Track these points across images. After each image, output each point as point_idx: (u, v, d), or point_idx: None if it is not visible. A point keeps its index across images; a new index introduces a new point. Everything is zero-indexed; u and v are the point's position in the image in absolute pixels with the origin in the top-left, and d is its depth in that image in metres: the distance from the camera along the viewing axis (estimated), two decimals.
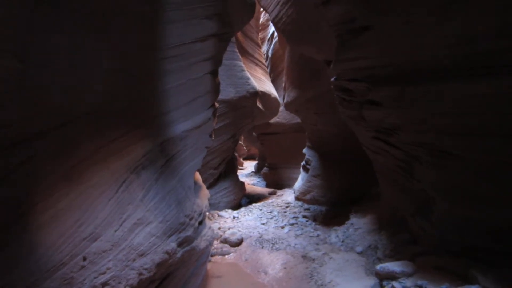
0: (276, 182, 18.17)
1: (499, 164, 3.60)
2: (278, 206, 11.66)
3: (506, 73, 3.14)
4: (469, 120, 3.57)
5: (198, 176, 6.10)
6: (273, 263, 6.35)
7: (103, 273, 2.72)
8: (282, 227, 8.75)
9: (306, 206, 11.05)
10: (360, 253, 6.13)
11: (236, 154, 17.52)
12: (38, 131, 2.38)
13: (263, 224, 9.22)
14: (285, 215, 10.10)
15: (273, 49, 18.39)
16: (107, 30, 3.01)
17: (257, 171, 24.96)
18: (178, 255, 3.80)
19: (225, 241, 7.57)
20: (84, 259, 2.61)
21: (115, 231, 2.96)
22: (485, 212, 3.92)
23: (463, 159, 3.84)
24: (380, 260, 5.44)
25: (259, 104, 12.98)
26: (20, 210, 2.25)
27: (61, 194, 2.57)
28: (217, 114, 6.75)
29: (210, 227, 5.24)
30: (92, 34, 2.80)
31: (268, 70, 17.18)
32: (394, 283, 4.24)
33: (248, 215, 10.37)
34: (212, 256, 6.70)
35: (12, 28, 2.04)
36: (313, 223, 8.98)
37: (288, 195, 13.82)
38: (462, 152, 3.83)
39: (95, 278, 2.64)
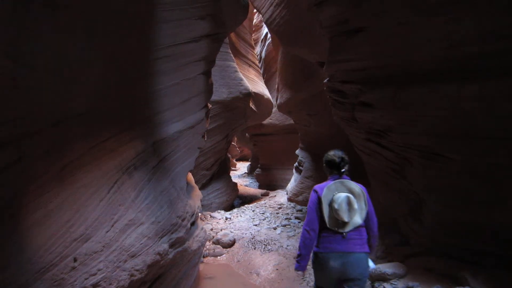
0: (269, 183, 18.17)
1: (491, 166, 3.64)
2: (270, 207, 11.66)
3: (498, 75, 3.17)
4: (461, 122, 3.60)
5: (190, 177, 6.08)
6: (266, 264, 6.34)
7: (94, 274, 2.69)
8: (275, 228, 8.74)
9: (298, 207, 11.05)
10: None
11: (229, 155, 17.50)
12: (29, 131, 2.36)
13: (256, 225, 9.21)
14: (277, 216, 10.10)
15: (266, 50, 18.39)
16: (100, 30, 2.99)
17: (250, 172, 24.96)
18: (170, 256, 3.78)
19: (217, 242, 7.55)
20: (75, 260, 2.59)
21: (107, 232, 2.94)
22: (476, 214, 3.96)
23: (455, 162, 3.88)
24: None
25: (252, 105, 12.98)
26: (10, 210, 2.23)
27: (52, 194, 2.54)
28: (210, 115, 6.74)
29: (202, 228, 5.22)
30: (84, 34, 2.78)
31: (261, 71, 17.20)
32: (386, 285, 4.25)
33: (241, 216, 10.36)
34: (204, 257, 6.68)
35: (3, 27, 2.01)
36: None
37: (280, 196, 13.83)
38: (453, 154, 3.86)
39: (85, 279, 2.62)
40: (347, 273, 2.80)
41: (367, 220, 2.95)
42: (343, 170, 3.01)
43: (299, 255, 3.00)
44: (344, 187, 2.91)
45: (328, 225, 2.87)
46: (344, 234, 2.83)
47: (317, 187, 3.02)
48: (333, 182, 2.95)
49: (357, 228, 2.87)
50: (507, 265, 3.76)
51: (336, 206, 2.81)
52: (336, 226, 2.85)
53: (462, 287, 3.66)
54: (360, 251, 2.85)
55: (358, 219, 2.85)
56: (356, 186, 2.94)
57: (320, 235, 2.92)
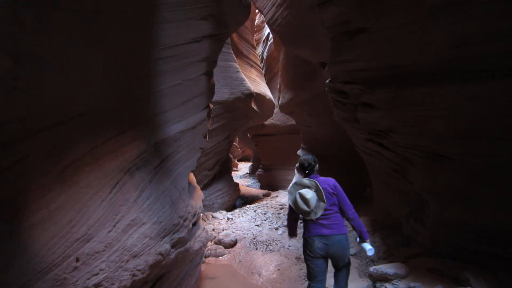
0: (271, 183, 18.18)
1: (493, 167, 3.63)
2: (272, 207, 11.65)
3: (500, 76, 3.17)
4: (463, 123, 3.59)
5: (192, 177, 6.09)
6: (267, 264, 6.34)
7: (96, 274, 2.70)
8: (276, 229, 8.73)
9: None
10: (353, 255, 6.14)
11: (231, 156, 17.51)
12: (30, 131, 2.37)
13: (257, 225, 9.21)
14: (279, 217, 10.09)
15: (268, 51, 18.43)
16: (103, 31, 3.00)
17: (252, 172, 25.00)
18: (172, 256, 3.79)
19: (219, 242, 7.55)
20: (77, 260, 2.59)
21: (108, 232, 2.95)
22: (478, 215, 3.95)
23: (456, 162, 3.87)
24: (373, 262, 5.46)
25: (253, 106, 12.98)
26: (12, 210, 2.24)
27: (53, 194, 2.55)
28: (211, 115, 6.75)
29: (204, 229, 5.23)
30: (85, 34, 2.79)
31: (263, 72, 17.20)
32: (387, 285, 4.25)
33: (242, 216, 10.36)
34: (206, 257, 6.69)
35: (6, 27, 2.02)
36: None
37: (282, 197, 13.82)
38: (455, 155, 3.86)
39: (88, 279, 2.63)
40: (329, 252, 3.50)
41: (339, 205, 3.65)
42: (307, 171, 3.83)
43: (289, 232, 4.10)
44: (299, 186, 3.69)
45: (303, 217, 3.65)
46: (315, 219, 3.54)
47: (289, 188, 3.93)
48: (293, 183, 3.81)
49: (328, 214, 3.56)
50: (509, 266, 3.76)
51: (296, 202, 3.60)
52: (306, 216, 3.57)
53: (464, 287, 3.66)
54: (339, 233, 3.52)
55: (320, 204, 3.55)
56: (308, 180, 3.66)
57: (304, 225, 3.70)
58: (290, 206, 3.80)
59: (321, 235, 3.49)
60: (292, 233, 4.07)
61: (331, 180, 3.73)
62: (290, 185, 3.80)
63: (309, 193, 3.53)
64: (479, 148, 3.62)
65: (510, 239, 3.78)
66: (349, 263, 3.68)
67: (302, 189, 3.63)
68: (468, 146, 3.68)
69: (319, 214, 3.53)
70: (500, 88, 3.19)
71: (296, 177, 12.86)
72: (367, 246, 3.63)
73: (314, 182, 3.62)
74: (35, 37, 2.27)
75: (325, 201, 3.55)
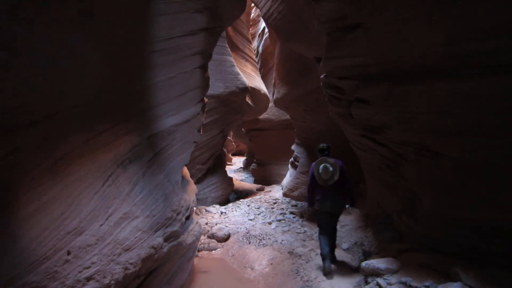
0: (264, 178, 18.18)
1: (486, 164, 3.66)
2: (265, 202, 11.65)
3: (495, 73, 3.18)
4: (456, 119, 3.61)
5: (186, 171, 6.07)
6: (260, 258, 6.35)
7: (88, 268, 2.69)
8: (270, 223, 8.75)
9: (293, 202, 11.05)
10: (346, 250, 6.19)
11: (225, 150, 17.49)
12: (24, 123, 2.34)
13: (251, 220, 9.20)
14: (272, 211, 10.11)
15: (263, 45, 18.34)
16: (98, 24, 2.96)
17: (246, 167, 24.99)
18: (165, 250, 3.78)
19: (212, 236, 7.55)
20: (69, 253, 2.58)
21: (101, 225, 2.93)
22: (470, 212, 3.98)
23: (450, 159, 3.89)
24: (365, 257, 5.50)
25: (248, 100, 12.95)
26: (3, 203, 2.21)
27: (46, 186, 2.53)
28: (206, 109, 6.72)
29: (197, 222, 5.22)
30: (79, 26, 2.76)
31: (258, 66, 17.14)
32: (379, 280, 4.28)
33: (236, 210, 10.35)
34: (199, 251, 6.68)
35: (2, 20, 1.99)
36: (300, 220, 8.99)
37: (276, 192, 13.83)
38: (448, 152, 3.88)
39: (79, 272, 2.61)
40: (331, 209, 5.31)
41: (343, 179, 5.26)
42: (326, 152, 5.46)
43: (308, 202, 5.63)
44: (324, 161, 5.22)
45: (319, 183, 5.24)
46: (327, 187, 5.19)
47: (312, 164, 5.42)
48: (318, 160, 5.34)
49: (335, 184, 5.17)
50: (499, 262, 3.80)
51: (320, 172, 5.19)
52: (322, 183, 5.19)
53: (454, 283, 3.69)
54: (338, 197, 5.32)
55: (335, 177, 5.13)
56: (331, 160, 5.22)
57: (317, 190, 5.38)
58: (312, 175, 5.34)
59: (327, 197, 5.25)
60: (311, 203, 5.53)
61: (339, 162, 5.31)
62: (315, 162, 5.47)
63: (330, 168, 5.12)
64: (472, 145, 3.64)
65: (502, 235, 3.81)
66: (336, 229, 5.69)
67: (327, 163, 5.16)
68: (461, 143, 3.70)
69: (331, 183, 5.12)
70: (494, 85, 3.20)
71: (290, 172, 12.89)
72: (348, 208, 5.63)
73: (334, 161, 5.20)
74: (30, 29, 2.24)
75: (338, 175, 5.12)
